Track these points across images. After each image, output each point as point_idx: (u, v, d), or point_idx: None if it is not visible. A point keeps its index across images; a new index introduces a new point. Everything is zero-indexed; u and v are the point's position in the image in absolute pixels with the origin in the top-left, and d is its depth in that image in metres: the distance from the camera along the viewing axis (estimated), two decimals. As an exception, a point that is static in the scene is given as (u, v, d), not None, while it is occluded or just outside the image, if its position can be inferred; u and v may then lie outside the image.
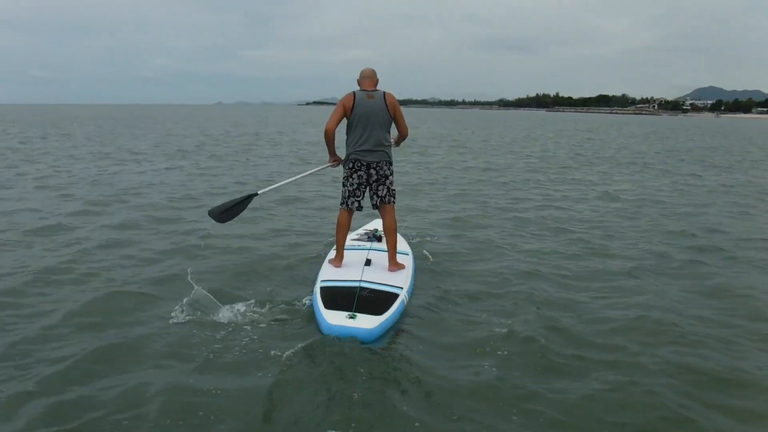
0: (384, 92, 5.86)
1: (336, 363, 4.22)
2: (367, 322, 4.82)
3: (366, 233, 7.16)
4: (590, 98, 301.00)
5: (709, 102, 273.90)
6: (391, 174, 5.99)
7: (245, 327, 4.83)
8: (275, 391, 3.87)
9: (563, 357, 4.43)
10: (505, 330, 4.85)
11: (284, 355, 4.28)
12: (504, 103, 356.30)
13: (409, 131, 6.21)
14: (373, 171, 5.88)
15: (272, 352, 4.35)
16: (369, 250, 6.38)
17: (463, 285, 6.12)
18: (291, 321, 5.05)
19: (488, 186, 13.32)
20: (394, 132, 6.11)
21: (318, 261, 6.42)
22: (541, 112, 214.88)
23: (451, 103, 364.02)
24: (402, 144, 6.48)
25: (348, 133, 5.90)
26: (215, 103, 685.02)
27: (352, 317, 4.87)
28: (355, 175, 5.89)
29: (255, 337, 4.66)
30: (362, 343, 4.64)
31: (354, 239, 6.89)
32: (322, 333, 4.78)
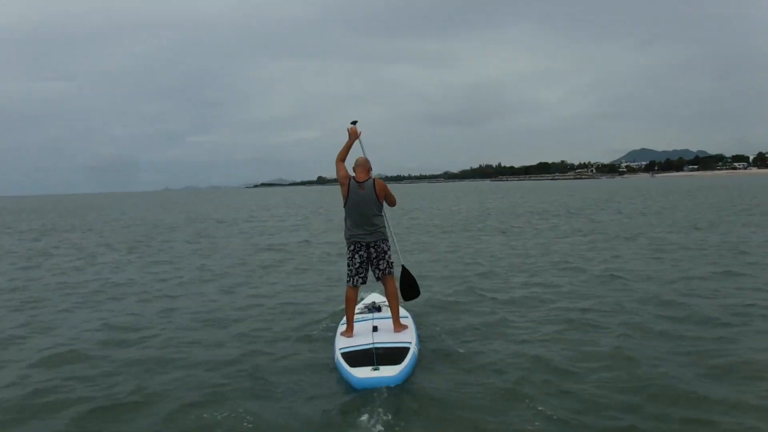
0: (374, 180, 6.70)
1: (374, 409, 4.96)
2: (390, 371, 5.55)
3: (366, 306, 7.85)
4: (531, 166, 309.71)
5: (643, 163, 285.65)
6: (389, 249, 6.85)
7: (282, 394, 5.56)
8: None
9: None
10: (497, 358, 6.28)
11: (331, 412, 5.02)
12: (449, 176, 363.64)
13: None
14: (372, 250, 6.74)
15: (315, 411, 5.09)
16: (372, 319, 7.18)
17: (455, 334, 7.33)
18: (322, 384, 5.79)
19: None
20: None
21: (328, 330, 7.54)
22: (486, 183, 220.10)
23: (398, 179, 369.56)
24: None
25: (345, 216, 6.79)
26: (162, 189, 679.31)
27: (376, 369, 5.59)
28: (356, 256, 6.74)
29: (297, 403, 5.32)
30: (398, 385, 5.42)
31: (357, 313, 7.37)
32: (354, 388, 5.45)
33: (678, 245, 14.91)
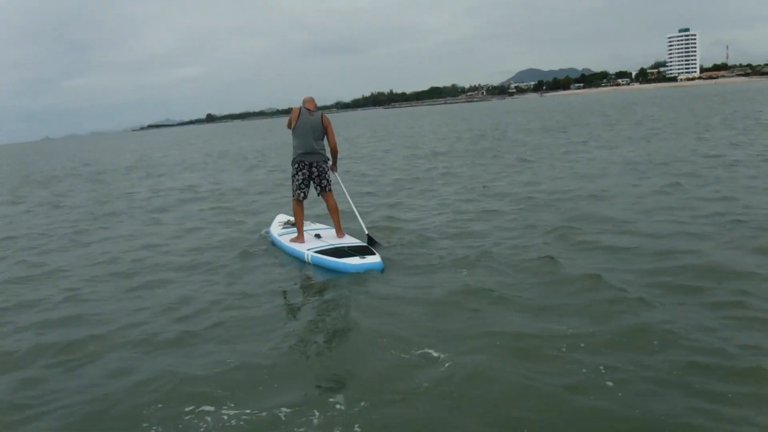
0: (321, 113, 7.93)
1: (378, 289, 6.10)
2: (374, 259, 6.92)
3: (287, 223, 8.98)
4: (423, 92, 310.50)
5: (532, 83, 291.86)
6: (328, 169, 8.04)
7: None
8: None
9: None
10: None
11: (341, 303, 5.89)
12: (341, 105, 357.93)
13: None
14: (314, 169, 7.88)
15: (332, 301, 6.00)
16: (307, 231, 8.29)
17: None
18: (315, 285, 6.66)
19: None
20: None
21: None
22: (380, 110, 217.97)
23: (289, 111, 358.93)
24: (338, 162, 8.37)
25: (293, 139, 7.94)
26: (42, 138, 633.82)
27: (363, 258, 6.92)
28: (299, 173, 7.89)
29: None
30: (381, 271, 6.72)
31: (283, 229, 8.75)
32: (349, 273, 6.70)
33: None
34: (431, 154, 20.93)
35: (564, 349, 4.41)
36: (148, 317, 5.85)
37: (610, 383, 3.88)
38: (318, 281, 6.77)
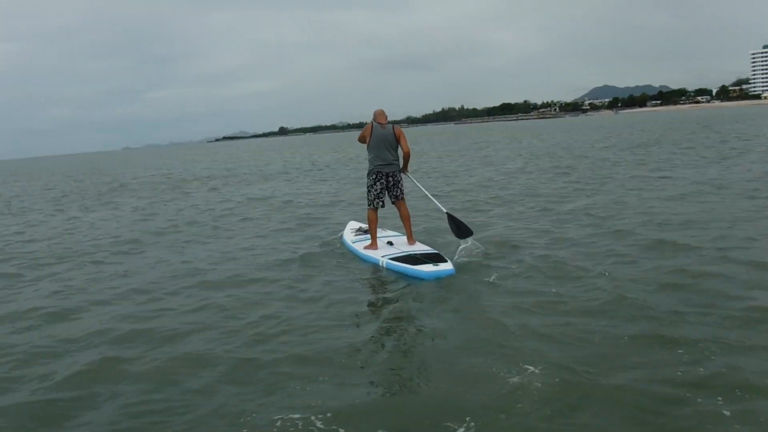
0: (392, 125, 8.38)
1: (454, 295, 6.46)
2: (447, 266, 7.25)
3: (360, 230, 9.35)
4: (494, 107, 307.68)
5: (606, 100, 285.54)
6: (401, 179, 8.53)
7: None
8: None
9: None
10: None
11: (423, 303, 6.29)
12: (411, 120, 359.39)
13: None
14: (390, 179, 8.38)
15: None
16: (380, 238, 8.64)
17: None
18: (395, 289, 6.90)
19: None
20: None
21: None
22: (450, 126, 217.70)
23: (360, 126, 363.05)
24: (410, 166, 8.70)
25: (369, 152, 8.43)
26: (123, 148, 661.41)
27: (436, 265, 7.25)
28: (377, 183, 8.37)
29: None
30: (452, 277, 7.05)
31: (356, 236, 9.13)
32: (425, 280, 7.03)
33: None
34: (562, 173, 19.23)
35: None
36: (235, 325, 5.88)
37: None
38: (394, 287, 6.97)
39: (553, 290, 6.23)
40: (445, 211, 8.41)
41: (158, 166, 48.93)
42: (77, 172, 49.30)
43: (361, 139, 8.45)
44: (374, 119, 8.44)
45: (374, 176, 8.37)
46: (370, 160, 8.42)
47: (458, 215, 8.65)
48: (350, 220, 10.60)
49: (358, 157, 37.92)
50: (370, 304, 6.43)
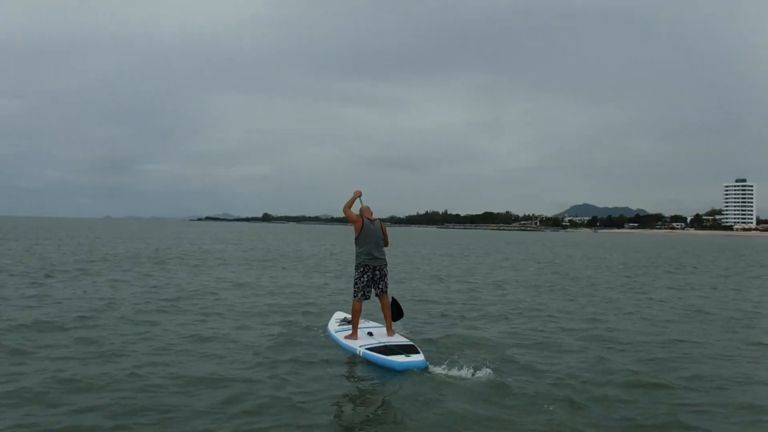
0: (380, 221, 9.17)
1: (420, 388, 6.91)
2: (418, 358, 7.75)
3: (343, 320, 9.98)
4: (477, 215, 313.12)
5: (585, 218, 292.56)
6: (387, 273, 9.19)
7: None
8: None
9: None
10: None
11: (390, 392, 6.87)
12: (395, 221, 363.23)
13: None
14: (377, 272, 8.99)
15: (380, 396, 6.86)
16: (361, 328, 9.24)
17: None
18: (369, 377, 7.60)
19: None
20: None
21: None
22: (433, 229, 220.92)
23: (345, 220, 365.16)
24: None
25: (357, 245, 9.00)
26: (103, 217, 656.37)
27: (408, 356, 7.74)
28: (365, 276, 8.94)
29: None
30: (425, 369, 7.57)
31: (339, 326, 9.73)
32: (396, 371, 7.53)
33: None
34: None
35: None
36: (210, 409, 6.12)
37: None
38: (368, 378, 7.55)
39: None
40: (391, 295, 9.29)
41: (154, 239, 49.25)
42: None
43: (349, 217, 8.93)
44: (362, 215, 8.98)
45: (362, 269, 8.88)
46: (358, 254, 8.93)
47: None
48: (337, 311, 11.18)
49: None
50: (344, 395, 6.88)
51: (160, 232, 77.52)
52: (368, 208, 9.22)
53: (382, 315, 9.38)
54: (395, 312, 9.26)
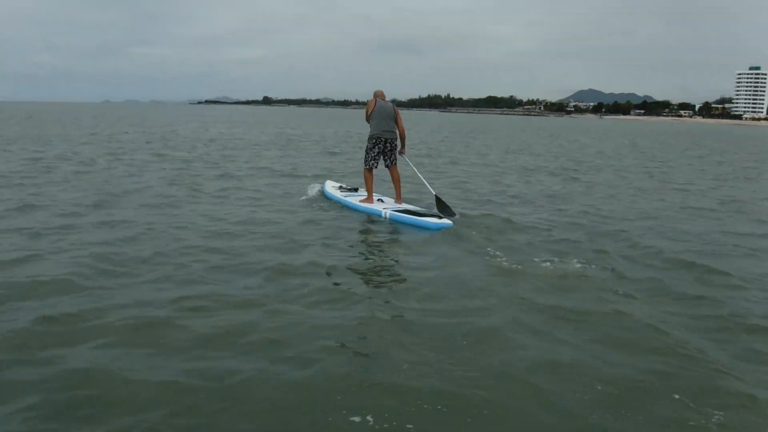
0: (393, 103, 9.74)
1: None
2: (446, 221, 8.32)
3: (345, 189, 10.47)
4: (480, 99, 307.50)
5: (591, 104, 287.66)
6: (397, 147, 9.70)
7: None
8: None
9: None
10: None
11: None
12: (397, 104, 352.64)
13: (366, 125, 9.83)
14: (388, 144, 9.55)
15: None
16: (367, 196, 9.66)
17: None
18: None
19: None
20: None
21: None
22: (435, 113, 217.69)
23: (345, 104, 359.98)
24: (406, 145, 9.99)
25: (371, 120, 9.59)
26: (103, 101, 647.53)
27: (440, 218, 8.42)
28: (376, 147, 9.52)
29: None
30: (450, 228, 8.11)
31: (342, 194, 10.07)
32: (431, 230, 8.03)
33: None
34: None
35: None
36: (253, 280, 5.67)
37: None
38: (398, 237, 7.83)
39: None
40: (434, 193, 9.50)
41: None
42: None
43: (366, 112, 9.64)
44: (375, 96, 9.69)
45: (374, 140, 9.51)
46: (372, 127, 9.54)
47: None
48: (327, 180, 11.35)
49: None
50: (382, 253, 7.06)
51: (172, 116, 76.07)
52: (381, 91, 9.88)
53: (364, 188, 9.90)
54: (447, 211, 9.00)
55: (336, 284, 5.61)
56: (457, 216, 8.74)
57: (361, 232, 7.99)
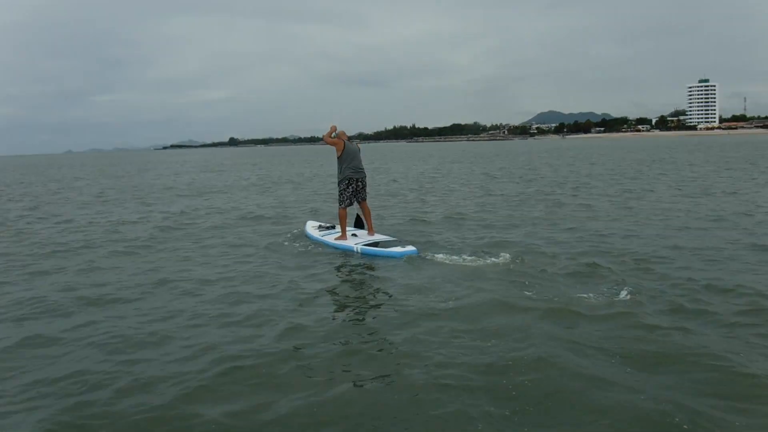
0: (356, 141, 10.83)
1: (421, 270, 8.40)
2: (410, 248, 9.36)
3: (322, 227, 11.43)
4: (445, 127, 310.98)
5: (552, 125, 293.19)
6: (367, 183, 10.68)
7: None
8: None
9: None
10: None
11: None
12: (363, 137, 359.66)
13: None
14: (360, 183, 10.46)
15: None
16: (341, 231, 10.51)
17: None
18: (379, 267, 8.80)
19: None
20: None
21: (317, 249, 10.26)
22: (402, 144, 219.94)
23: (312, 140, 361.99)
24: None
25: (342, 163, 10.37)
26: (65, 151, 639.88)
27: (404, 247, 9.39)
28: (350, 187, 10.37)
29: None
30: (418, 254, 9.15)
31: (320, 232, 11.04)
32: (397, 258, 9.02)
33: None
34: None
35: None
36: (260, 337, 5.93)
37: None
38: (366, 267, 8.85)
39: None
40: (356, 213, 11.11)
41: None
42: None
43: (331, 143, 10.31)
44: (340, 137, 10.35)
45: (347, 182, 10.36)
46: (342, 170, 10.35)
47: None
48: (308, 220, 12.47)
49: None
50: (352, 285, 7.95)
51: (133, 165, 75.79)
52: (344, 131, 10.54)
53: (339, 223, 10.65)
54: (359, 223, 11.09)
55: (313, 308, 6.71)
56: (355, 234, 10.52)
57: (336, 267, 8.85)
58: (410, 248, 9.32)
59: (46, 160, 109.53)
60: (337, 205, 10.60)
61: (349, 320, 6.34)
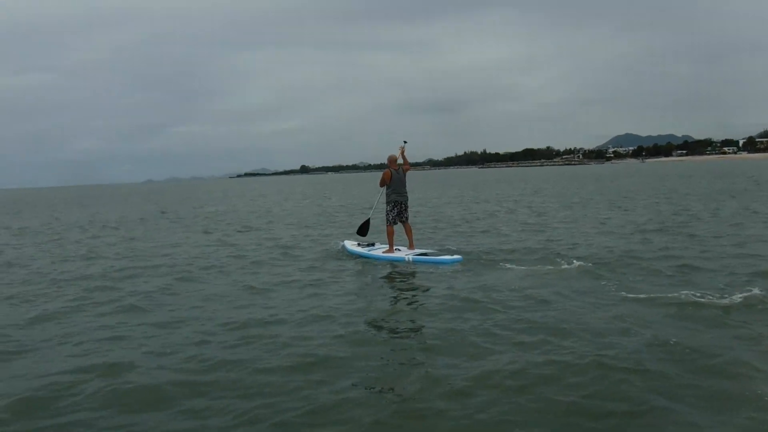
0: (403, 167, 12.52)
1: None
2: (457, 256, 11.04)
3: (366, 244, 12.85)
4: (517, 152, 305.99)
5: (630, 148, 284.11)
6: (408, 206, 12.56)
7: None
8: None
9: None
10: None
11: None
12: (433, 163, 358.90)
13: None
14: (403, 206, 12.31)
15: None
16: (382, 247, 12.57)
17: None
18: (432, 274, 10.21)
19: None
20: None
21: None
22: (474, 170, 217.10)
23: (382, 167, 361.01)
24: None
25: (389, 188, 12.27)
26: (145, 180, 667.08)
27: (452, 255, 11.11)
28: (395, 209, 12.21)
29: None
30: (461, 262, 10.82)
31: (365, 248, 12.51)
32: (447, 264, 10.65)
33: None
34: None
35: None
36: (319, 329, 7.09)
37: None
38: (416, 275, 10.20)
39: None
40: (370, 217, 13.37)
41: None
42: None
43: (382, 182, 12.30)
44: (389, 165, 12.26)
45: (392, 204, 12.23)
46: (388, 194, 12.27)
47: None
48: (345, 240, 13.74)
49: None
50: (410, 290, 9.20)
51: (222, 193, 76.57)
52: (394, 157, 12.33)
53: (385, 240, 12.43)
54: (363, 229, 13.11)
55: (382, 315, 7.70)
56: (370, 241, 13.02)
57: (389, 275, 10.38)
58: (456, 256, 10.95)
59: (158, 188, 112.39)
60: (385, 224, 12.49)
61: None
